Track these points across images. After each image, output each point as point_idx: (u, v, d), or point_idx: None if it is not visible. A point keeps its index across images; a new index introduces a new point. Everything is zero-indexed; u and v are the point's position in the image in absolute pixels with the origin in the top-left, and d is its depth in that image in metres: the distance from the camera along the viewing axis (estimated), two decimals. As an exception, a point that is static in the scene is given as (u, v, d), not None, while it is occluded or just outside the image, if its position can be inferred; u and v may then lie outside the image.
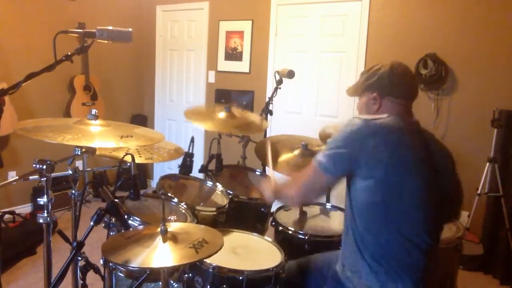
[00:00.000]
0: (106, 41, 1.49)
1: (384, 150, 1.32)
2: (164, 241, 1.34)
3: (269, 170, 1.95)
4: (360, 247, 1.40)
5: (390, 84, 1.45)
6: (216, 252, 1.32)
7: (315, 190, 1.46)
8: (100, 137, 1.51)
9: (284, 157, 2.22)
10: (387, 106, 1.46)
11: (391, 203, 1.34)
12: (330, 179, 1.40)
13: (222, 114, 2.37)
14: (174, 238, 1.37)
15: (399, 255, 1.37)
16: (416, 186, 1.36)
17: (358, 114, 1.57)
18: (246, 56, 4.43)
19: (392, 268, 1.36)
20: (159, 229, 1.37)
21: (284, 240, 1.97)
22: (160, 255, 1.30)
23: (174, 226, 1.47)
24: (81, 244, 1.35)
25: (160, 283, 1.55)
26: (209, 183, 2.32)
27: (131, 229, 1.52)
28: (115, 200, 1.41)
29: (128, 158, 1.62)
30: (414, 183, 1.35)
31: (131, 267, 1.52)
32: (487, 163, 3.13)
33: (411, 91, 1.49)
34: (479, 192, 3.14)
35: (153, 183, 5.31)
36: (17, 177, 1.35)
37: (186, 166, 2.27)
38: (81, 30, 1.50)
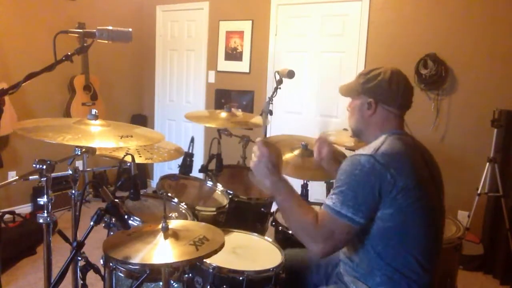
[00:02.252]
0: (106, 41, 1.49)
1: (401, 178, 1.29)
2: (166, 238, 1.35)
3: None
4: (373, 266, 1.38)
5: (388, 92, 1.43)
6: (217, 250, 1.32)
7: (340, 242, 1.33)
8: (100, 137, 1.51)
9: (285, 157, 2.22)
10: (381, 114, 1.45)
11: (407, 225, 1.33)
12: (356, 228, 1.30)
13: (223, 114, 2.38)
14: (175, 235, 1.38)
15: (414, 268, 1.36)
16: (426, 204, 1.36)
17: (349, 116, 1.55)
18: (246, 56, 4.43)
19: (404, 281, 1.36)
20: (160, 226, 1.37)
21: (284, 240, 1.97)
22: (161, 252, 1.30)
23: (175, 223, 1.48)
24: (81, 244, 1.35)
25: (161, 283, 1.56)
26: (209, 183, 2.32)
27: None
28: (115, 200, 1.41)
29: (128, 158, 1.62)
30: (425, 201, 1.35)
31: (131, 263, 1.51)
32: (487, 163, 3.13)
33: (406, 102, 1.47)
34: (479, 192, 3.14)
35: (153, 183, 5.31)
36: (17, 177, 1.35)
37: (186, 166, 2.27)
38: (81, 30, 1.49)
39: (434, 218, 1.41)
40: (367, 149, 1.36)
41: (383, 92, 1.43)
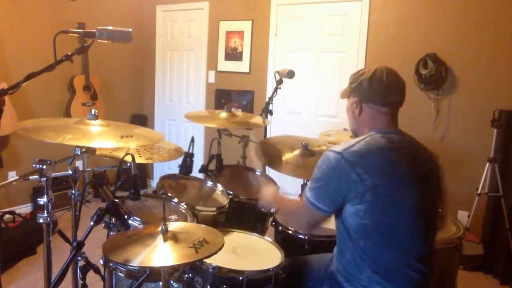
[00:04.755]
0: (106, 41, 1.49)
1: (370, 177, 1.32)
2: (165, 240, 1.35)
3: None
4: (359, 263, 1.40)
5: (369, 90, 1.45)
6: (216, 252, 1.32)
7: (312, 223, 1.52)
8: (100, 137, 1.51)
9: (285, 157, 2.22)
10: (367, 112, 1.48)
11: (383, 223, 1.35)
12: (324, 215, 1.44)
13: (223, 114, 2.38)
14: (174, 237, 1.37)
15: (399, 267, 1.37)
16: (405, 202, 1.36)
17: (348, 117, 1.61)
18: (246, 56, 4.43)
19: (393, 278, 1.37)
20: (159, 229, 1.37)
21: (284, 240, 1.97)
22: (160, 254, 1.30)
23: (174, 226, 1.48)
24: (81, 244, 1.35)
25: (161, 283, 1.56)
26: (209, 183, 2.32)
27: (131, 229, 1.52)
28: (115, 200, 1.41)
29: (128, 158, 1.62)
30: (404, 199, 1.36)
31: (131, 266, 1.52)
32: (487, 163, 3.13)
33: (392, 99, 1.46)
34: (479, 192, 3.14)
35: (153, 183, 5.31)
36: (17, 177, 1.35)
37: (186, 166, 2.27)
38: (81, 30, 1.49)
39: (420, 218, 1.39)
40: (341, 146, 1.41)
41: (365, 91, 1.47)
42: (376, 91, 1.45)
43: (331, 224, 2.17)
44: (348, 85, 1.54)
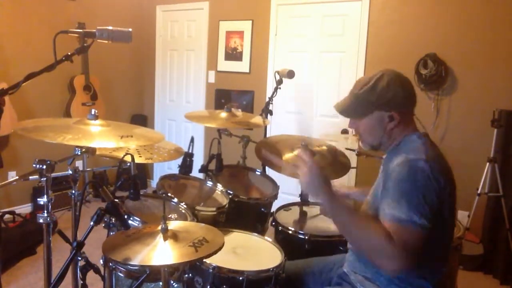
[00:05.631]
0: (106, 41, 1.49)
1: (447, 186, 1.28)
2: (165, 239, 1.35)
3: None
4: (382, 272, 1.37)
5: (404, 97, 1.39)
6: (216, 251, 1.32)
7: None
8: (100, 137, 1.51)
9: (285, 157, 2.22)
10: (404, 120, 1.40)
11: (439, 231, 1.30)
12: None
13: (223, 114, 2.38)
14: (174, 236, 1.38)
15: (426, 272, 1.35)
16: (453, 209, 1.35)
17: (363, 137, 1.47)
18: (246, 56, 4.43)
19: (415, 282, 1.36)
20: (159, 228, 1.37)
21: (284, 240, 1.97)
22: (160, 253, 1.30)
23: (174, 225, 1.48)
24: (81, 244, 1.35)
25: (160, 283, 1.55)
26: (209, 183, 2.32)
27: (131, 229, 1.52)
28: (115, 200, 1.41)
29: (128, 158, 1.62)
30: (453, 206, 1.35)
31: (131, 265, 1.52)
32: (487, 163, 3.13)
33: (415, 98, 1.43)
34: (479, 192, 3.14)
35: (153, 183, 5.31)
36: (17, 177, 1.35)
37: (186, 166, 2.27)
38: (81, 30, 1.49)
39: (453, 221, 1.41)
40: (416, 153, 1.31)
41: (401, 99, 1.38)
42: (409, 93, 1.40)
43: (330, 224, 2.16)
44: (370, 102, 1.38)
